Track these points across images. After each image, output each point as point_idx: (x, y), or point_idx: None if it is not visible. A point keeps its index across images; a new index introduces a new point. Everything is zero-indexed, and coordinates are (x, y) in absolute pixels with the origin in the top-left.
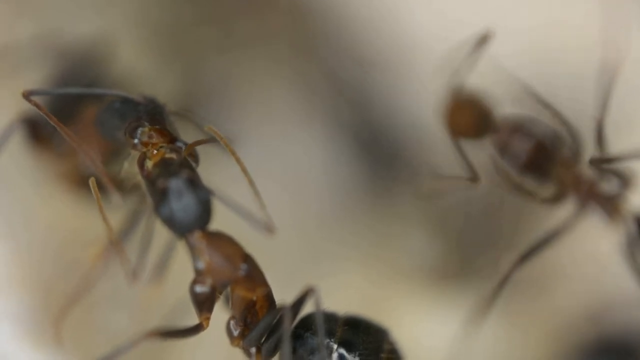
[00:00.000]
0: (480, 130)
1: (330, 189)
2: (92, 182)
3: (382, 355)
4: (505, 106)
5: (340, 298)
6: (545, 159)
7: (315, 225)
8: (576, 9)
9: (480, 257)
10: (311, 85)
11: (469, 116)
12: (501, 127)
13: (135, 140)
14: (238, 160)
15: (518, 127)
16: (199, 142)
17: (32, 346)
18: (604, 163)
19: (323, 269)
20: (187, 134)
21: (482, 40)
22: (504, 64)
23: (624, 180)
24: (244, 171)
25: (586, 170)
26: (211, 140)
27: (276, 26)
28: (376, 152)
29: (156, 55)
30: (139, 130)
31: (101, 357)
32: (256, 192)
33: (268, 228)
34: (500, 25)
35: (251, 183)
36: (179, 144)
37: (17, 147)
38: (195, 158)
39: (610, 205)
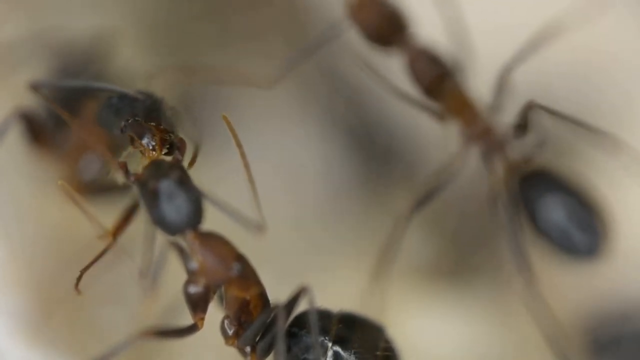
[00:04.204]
0: (388, 30)
1: (326, 185)
2: (62, 184)
3: (378, 352)
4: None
5: (336, 293)
6: (443, 87)
7: (312, 221)
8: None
9: (475, 254)
10: (307, 81)
11: (378, 10)
12: (409, 44)
13: (145, 141)
14: (243, 156)
15: (425, 50)
16: (194, 159)
17: (27, 344)
18: (544, 110)
19: (319, 263)
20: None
21: None
22: (498, 64)
23: (540, 142)
24: (246, 167)
25: (487, 111)
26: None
27: (272, 22)
28: (370, 147)
29: (153, 52)
30: (149, 137)
31: (97, 357)
32: (254, 190)
33: (259, 227)
34: (495, 23)
35: (251, 181)
36: (173, 137)
37: (15, 145)
38: (182, 145)
39: (504, 155)
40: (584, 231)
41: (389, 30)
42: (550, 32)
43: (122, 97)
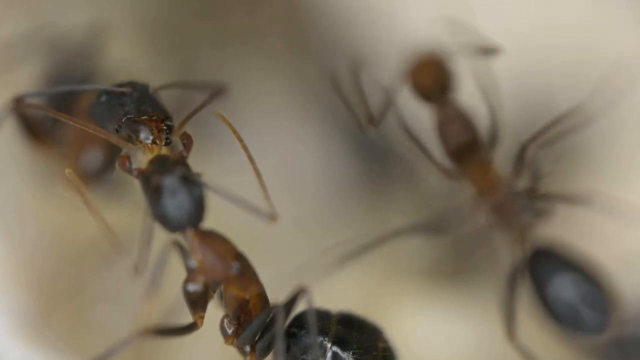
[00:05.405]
0: (437, 91)
1: (326, 184)
2: (69, 172)
3: (376, 353)
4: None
5: (336, 293)
6: (470, 155)
7: (312, 221)
8: (572, 9)
9: (475, 253)
10: (306, 80)
11: (434, 74)
12: (449, 105)
13: (142, 137)
14: (245, 148)
15: (463, 115)
16: (190, 115)
17: (27, 343)
18: (531, 193)
19: (319, 264)
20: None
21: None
22: (500, 64)
23: (539, 211)
24: (250, 159)
25: (504, 183)
26: (216, 96)
27: (271, 21)
28: (371, 147)
29: (151, 50)
30: (146, 132)
31: (96, 356)
32: (260, 181)
33: (271, 216)
34: (496, 25)
35: (256, 171)
36: (169, 123)
37: (15, 145)
38: (189, 141)
39: (516, 226)
40: (593, 310)
41: (436, 91)
42: (576, 114)
43: (110, 93)
